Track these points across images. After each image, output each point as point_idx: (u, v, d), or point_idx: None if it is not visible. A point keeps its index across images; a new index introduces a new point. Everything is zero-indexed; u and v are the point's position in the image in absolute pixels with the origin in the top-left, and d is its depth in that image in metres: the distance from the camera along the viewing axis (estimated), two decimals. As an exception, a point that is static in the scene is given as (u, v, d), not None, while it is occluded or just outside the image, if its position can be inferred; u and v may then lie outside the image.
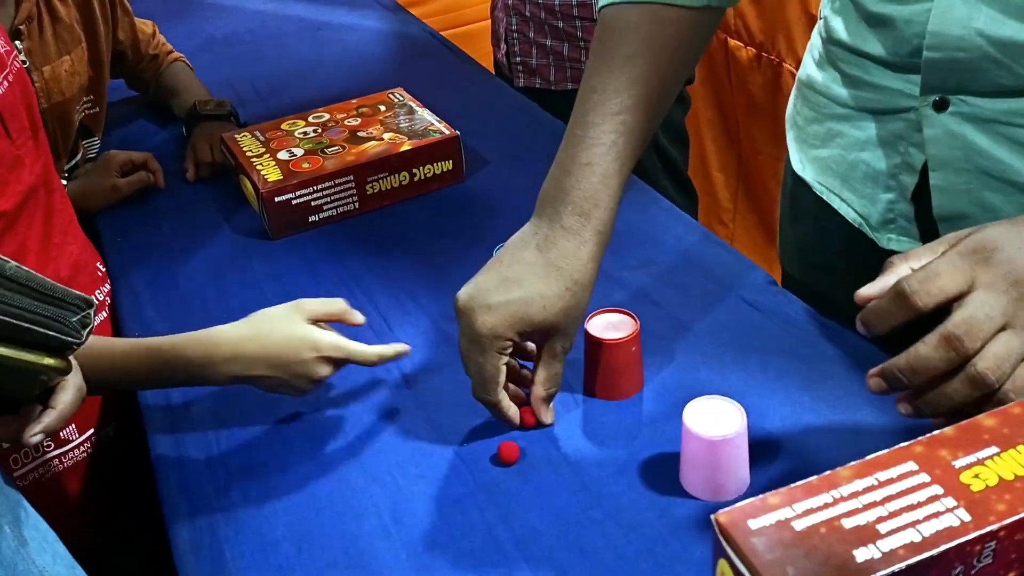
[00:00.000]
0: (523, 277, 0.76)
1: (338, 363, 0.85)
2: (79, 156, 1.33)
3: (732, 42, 2.01)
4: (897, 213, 0.84)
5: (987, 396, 0.57)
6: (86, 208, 1.27)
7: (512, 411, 0.81)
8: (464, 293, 0.77)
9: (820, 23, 0.89)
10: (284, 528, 0.77)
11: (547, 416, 0.83)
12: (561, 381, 0.82)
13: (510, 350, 0.78)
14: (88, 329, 0.68)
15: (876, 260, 0.84)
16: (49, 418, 0.70)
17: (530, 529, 0.74)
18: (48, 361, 0.67)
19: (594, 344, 0.83)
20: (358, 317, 0.88)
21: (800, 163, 0.95)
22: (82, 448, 1.00)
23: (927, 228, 0.81)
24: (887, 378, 0.59)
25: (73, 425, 0.98)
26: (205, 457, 0.85)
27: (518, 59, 1.67)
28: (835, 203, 0.90)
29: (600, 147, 0.77)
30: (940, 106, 0.75)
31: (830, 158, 0.89)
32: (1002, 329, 0.57)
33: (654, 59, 0.79)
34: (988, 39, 0.70)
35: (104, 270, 1.13)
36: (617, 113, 0.77)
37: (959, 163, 0.76)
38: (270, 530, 0.76)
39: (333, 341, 0.84)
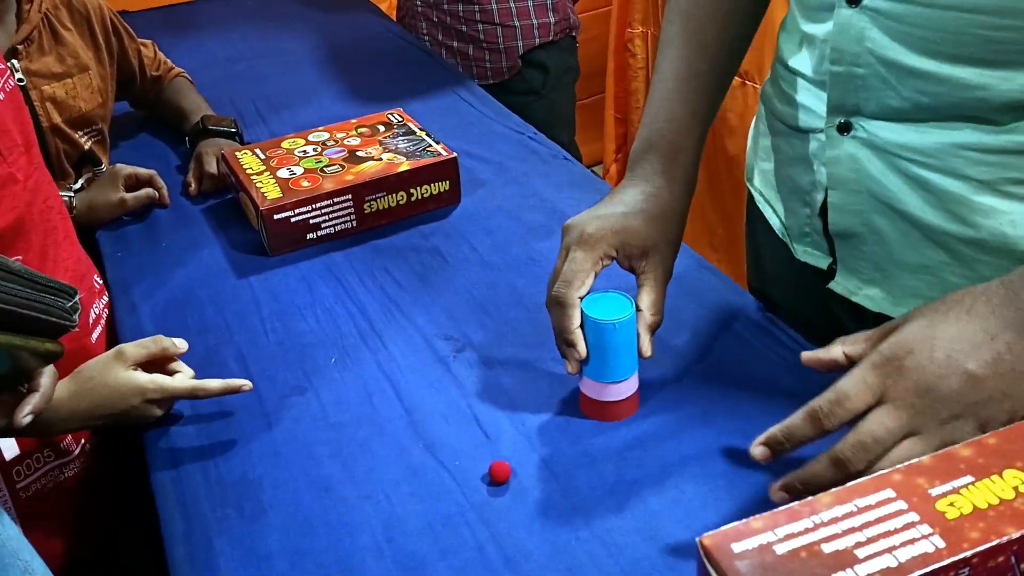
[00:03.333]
0: (624, 201, 0.85)
1: (168, 401, 0.91)
2: (85, 178, 1.35)
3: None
4: (811, 228, 0.89)
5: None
6: (92, 220, 1.29)
7: (575, 315, 0.80)
8: (570, 219, 0.85)
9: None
10: (278, 543, 0.78)
11: (647, 347, 0.82)
12: (663, 312, 0.84)
13: (608, 261, 0.82)
14: (77, 313, 0.74)
15: (794, 271, 0.92)
16: (35, 399, 0.75)
17: (520, 548, 0.75)
18: (48, 346, 0.74)
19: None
20: (180, 347, 0.93)
21: (752, 175, 1.01)
22: (79, 461, 1.01)
23: (832, 244, 0.87)
24: (787, 489, 0.66)
25: (70, 436, 0.99)
26: (201, 472, 0.86)
27: None
28: (768, 213, 0.96)
29: (672, 99, 0.87)
30: (843, 129, 0.80)
31: (770, 171, 0.95)
32: (907, 437, 0.62)
33: (704, 15, 0.88)
34: (877, 57, 0.75)
35: (101, 283, 1.14)
36: (682, 70, 0.87)
37: (853, 184, 0.81)
38: (264, 545, 0.78)
39: (157, 385, 0.89)
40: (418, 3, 1.90)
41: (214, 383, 0.91)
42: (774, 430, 0.67)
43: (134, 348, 0.91)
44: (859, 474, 0.63)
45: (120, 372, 0.89)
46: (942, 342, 0.63)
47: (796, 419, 0.66)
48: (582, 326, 0.81)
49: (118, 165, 1.32)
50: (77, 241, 1.09)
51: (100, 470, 1.04)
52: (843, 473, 0.63)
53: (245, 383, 0.91)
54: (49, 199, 1.01)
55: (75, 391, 0.88)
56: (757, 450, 0.67)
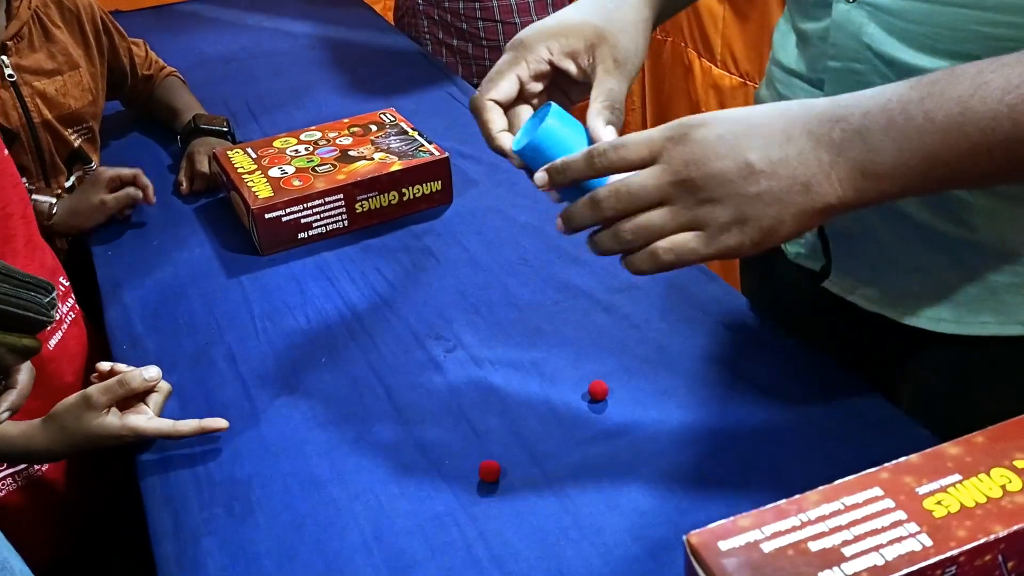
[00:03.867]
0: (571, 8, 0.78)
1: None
2: (76, 177, 1.34)
3: (716, 71, 2.05)
4: None
5: (635, 250, 0.64)
6: (76, 226, 1.26)
7: (493, 118, 0.74)
8: None
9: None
10: (267, 542, 0.77)
11: (603, 130, 0.70)
12: (623, 107, 0.73)
13: (541, 64, 0.75)
14: (54, 309, 0.73)
15: (787, 273, 0.91)
16: (12, 396, 0.75)
17: (509, 547, 0.75)
18: (26, 342, 0.73)
19: None
20: (150, 380, 0.89)
21: None
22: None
23: (827, 244, 0.86)
24: (558, 225, 0.67)
25: None
26: (190, 471, 0.86)
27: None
28: None
29: None
30: None
31: None
32: (662, 204, 0.62)
33: None
34: (875, 53, 0.74)
35: (67, 285, 1.11)
36: None
37: None
38: (253, 544, 0.77)
39: (130, 430, 0.87)
40: (419, 1, 1.90)
41: (188, 425, 0.88)
42: (556, 160, 0.66)
43: (101, 395, 0.87)
44: (608, 222, 0.64)
45: (92, 421, 0.87)
46: (738, 126, 0.62)
47: (576, 154, 0.65)
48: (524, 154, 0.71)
49: (101, 168, 1.30)
50: (43, 245, 1.07)
51: (84, 467, 1.04)
52: (595, 214, 0.64)
53: (221, 423, 0.88)
54: (9, 206, 0.99)
55: (51, 435, 0.88)
56: (539, 176, 0.67)
